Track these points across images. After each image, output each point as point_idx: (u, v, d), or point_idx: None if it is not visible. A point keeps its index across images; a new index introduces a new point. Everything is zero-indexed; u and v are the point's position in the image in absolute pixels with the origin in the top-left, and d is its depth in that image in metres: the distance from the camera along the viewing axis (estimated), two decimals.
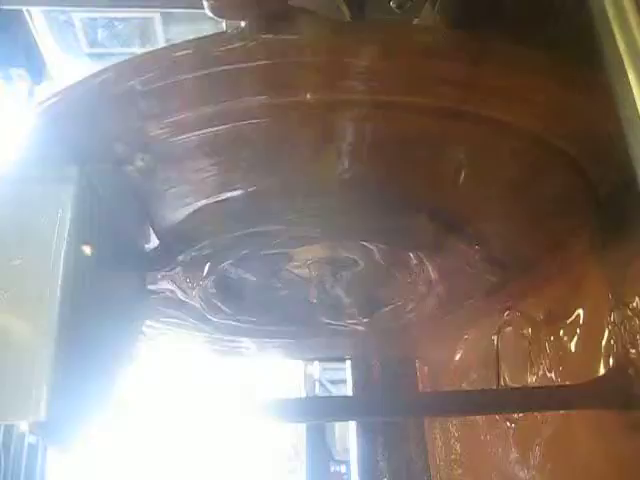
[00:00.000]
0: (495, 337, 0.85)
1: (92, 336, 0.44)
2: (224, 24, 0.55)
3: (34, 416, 0.37)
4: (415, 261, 0.68)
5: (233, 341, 0.88)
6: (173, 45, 0.47)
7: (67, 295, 0.40)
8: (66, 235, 0.42)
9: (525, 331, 0.78)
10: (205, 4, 0.43)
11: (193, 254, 0.63)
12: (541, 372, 0.75)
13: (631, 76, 0.35)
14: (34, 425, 0.38)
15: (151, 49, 0.49)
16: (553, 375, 0.73)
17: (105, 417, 0.50)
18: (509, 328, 0.82)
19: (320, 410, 0.65)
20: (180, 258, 0.63)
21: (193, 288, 0.69)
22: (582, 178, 0.59)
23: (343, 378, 1.32)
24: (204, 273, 0.67)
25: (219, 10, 0.43)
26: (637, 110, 0.34)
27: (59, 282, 0.40)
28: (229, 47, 0.45)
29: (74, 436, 0.43)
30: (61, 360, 0.39)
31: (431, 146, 0.53)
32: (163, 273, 0.64)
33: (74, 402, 0.41)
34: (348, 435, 1.23)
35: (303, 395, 4.11)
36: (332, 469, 4.14)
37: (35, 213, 0.43)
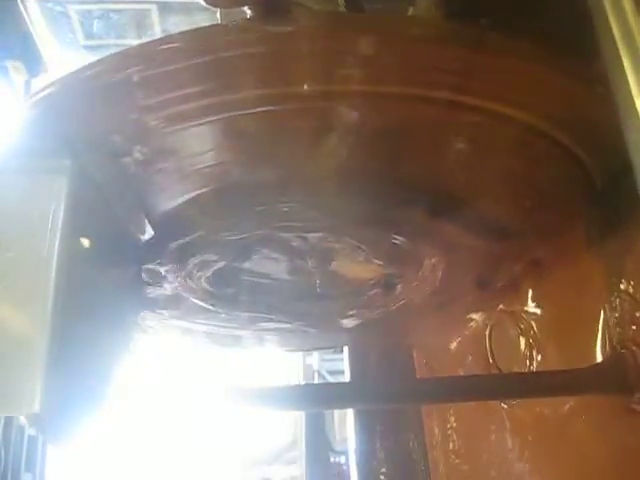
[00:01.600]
0: (490, 325, 0.86)
1: (87, 328, 0.44)
2: (218, 15, 0.54)
3: (28, 409, 0.37)
4: (413, 250, 0.68)
5: (231, 331, 0.88)
6: (170, 35, 0.47)
7: (61, 287, 0.40)
8: (60, 226, 0.42)
9: (521, 319, 0.78)
10: None
11: (189, 244, 0.63)
12: (537, 359, 0.75)
13: (626, 64, 0.35)
14: (29, 418, 0.38)
15: (148, 40, 0.49)
16: (548, 362, 0.73)
17: (102, 409, 0.50)
18: (505, 316, 0.82)
19: (317, 397, 0.64)
20: (175, 248, 0.63)
21: (189, 278, 0.69)
22: (580, 168, 0.59)
23: (342, 369, 1.32)
24: (200, 263, 0.67)
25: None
26: (632, 99, 0.34)
27: (53, 274, 0.40)
28: (226, 37, 0.45)
29: (70, 429, 0.43)
30: (55, 352, 0.39)
31: (429, 135, 0.53)
32: (158, 264, 0.64)
33: (69, 394, 0.41)
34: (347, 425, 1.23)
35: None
36: (331, 459, 4.16)
37: (29, 205, 0.43)
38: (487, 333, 0.85)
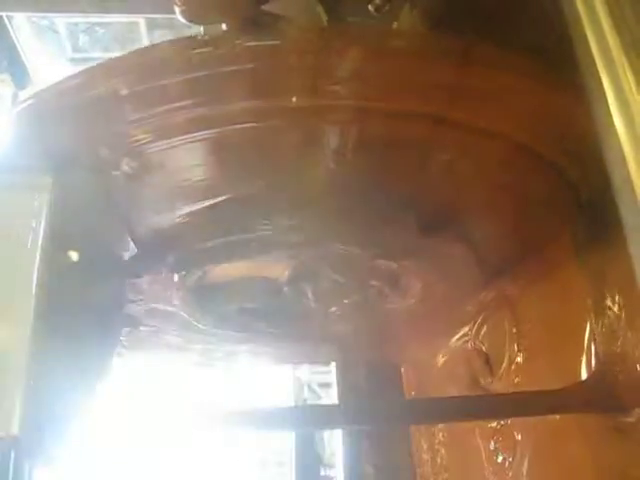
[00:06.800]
0: (478, 339, 0.85)
1: (68, 346, 0.44)
2: (202, 29, 0.54)
3: (6, 430, 0.36)
4: (400, 263, 0.68)
5: (219, 348, 0.88)
6: (156, 46, 0.46)
7: (41, 305, 0.40)
8: (40, 244, 0.41)
9: (508, 332, 0.78)
10: (176, 9, 0.42)
11: (175, 260, 0.62)
12: (524, 375, 0.75)
13: (604, 80, 0.35)
14: (8, 439, 0.37)
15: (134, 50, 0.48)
16: (535, 376, 0.73)
17: (83, 429, 0.49)
18: (492, 329, 0.82)
19: (306, 419, 0.64)
20: (161, 264, 0.62)
21: (174, 295, 0.68)
22: (564, 181, 0.59)
23: (332, 381, 1.31)
24: (186, 279, 0.66)
25: (190, 15, 0.43)
26: (610, 114, 0.34)
27: (33, 292, 0.40)
28: (214, 51, 0.44)
29: (50, 449, 0.42)
30: (35, 372, 0.38)
31: (417, 150, 0.53)
32: (142, 280, 0.63)
33: (49, 415, 0.41)
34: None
35: (292, 399, 4.10)
36: (321, 473, 4.13)
37: (9, 221, 0.42)
38: (474, 347, 0.85)
